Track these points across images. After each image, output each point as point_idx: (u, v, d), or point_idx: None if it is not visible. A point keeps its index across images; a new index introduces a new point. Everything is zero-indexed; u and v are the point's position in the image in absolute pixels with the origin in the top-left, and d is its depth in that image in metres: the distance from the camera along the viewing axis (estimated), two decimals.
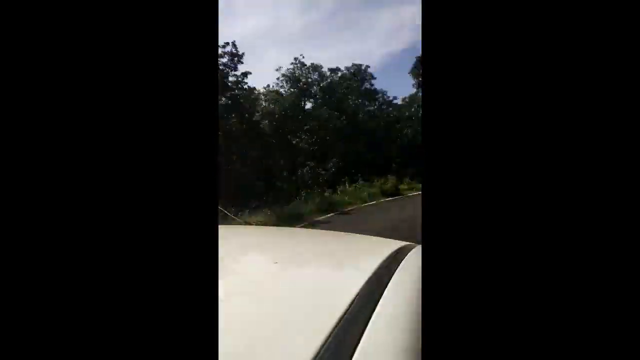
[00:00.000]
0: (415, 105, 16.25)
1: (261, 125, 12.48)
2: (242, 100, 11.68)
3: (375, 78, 17.64)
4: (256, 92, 13.56)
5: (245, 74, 11.67)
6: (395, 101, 17.45)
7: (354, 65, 16.38)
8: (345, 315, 0.33)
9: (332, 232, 1.05)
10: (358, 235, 0.90)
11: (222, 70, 10.67)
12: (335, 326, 0.31)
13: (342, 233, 1.02)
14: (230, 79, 11.38)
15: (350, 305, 0.35)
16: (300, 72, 15.23)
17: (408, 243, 0.66)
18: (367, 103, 16.62)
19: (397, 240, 0.70)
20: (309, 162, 12.04)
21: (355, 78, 16.23)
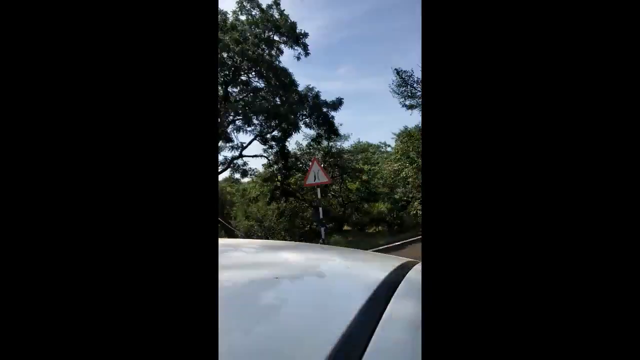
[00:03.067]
0: None
1: None
2: None
3: None
4: None
5: None
6: None
7: None
8: (346, 333, 0.33)
9: (335, 247, 1.05)
10: (360, 251, 0.89)
11: None
12: (337, 344, 0.31)
13: (345, 249, 1.01)
14: None
15: (351, 324, 0.34)
16: None
17: (410, 260, 0.65)
18: None
19: (398, 257, 0.69)
20: None
21: None
